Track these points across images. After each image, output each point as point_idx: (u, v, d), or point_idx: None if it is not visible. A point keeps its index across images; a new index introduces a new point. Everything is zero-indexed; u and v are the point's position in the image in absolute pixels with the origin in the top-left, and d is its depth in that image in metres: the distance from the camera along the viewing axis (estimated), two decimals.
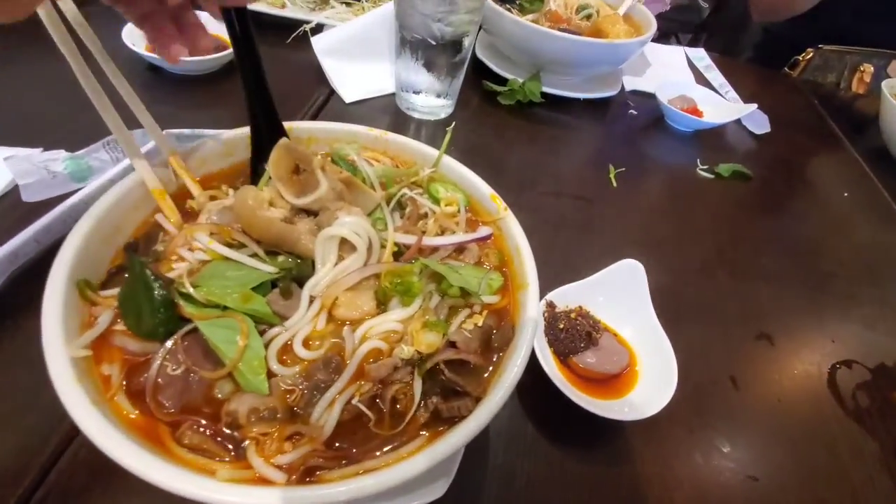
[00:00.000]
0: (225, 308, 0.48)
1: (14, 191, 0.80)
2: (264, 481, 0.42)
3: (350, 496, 0.40)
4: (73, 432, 0.57)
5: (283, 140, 0.57)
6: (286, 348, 0.50)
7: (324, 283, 0.51)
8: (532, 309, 0.55)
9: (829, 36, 1.86)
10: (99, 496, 0.54)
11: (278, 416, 0.45)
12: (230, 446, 0.44)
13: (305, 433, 0.44)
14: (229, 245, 0.52)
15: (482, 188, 0.69)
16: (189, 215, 0.60)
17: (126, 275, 0.50)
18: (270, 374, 0.47)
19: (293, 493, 0.40)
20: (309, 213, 0.57)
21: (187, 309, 0.47)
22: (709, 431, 0.72)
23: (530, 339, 0.52)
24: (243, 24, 0.55)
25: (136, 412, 0.44)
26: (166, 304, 0.46)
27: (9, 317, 0.66)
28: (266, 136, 0.64)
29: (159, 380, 0.45)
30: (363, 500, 0.41)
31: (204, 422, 0.45)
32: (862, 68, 1.90)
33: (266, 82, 0.61)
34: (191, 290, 0.47)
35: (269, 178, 0.58)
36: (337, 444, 0.46)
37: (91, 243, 0.52)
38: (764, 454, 0.72)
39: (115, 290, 0.49)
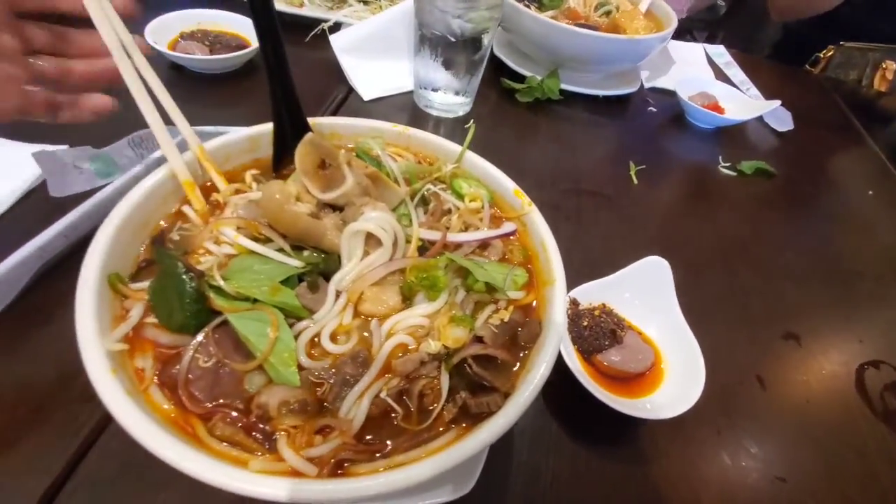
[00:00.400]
0: (255, 301, 0.48)
1: (41, 186, 0.82)
2: (296, 473, 0.42)
3: (380, 490, 0.40)
4: (103, 424, 0.58)
5: (310, 135, 0.57)
6: (314, 342, 0.50)
7: (350, 277, 0.51)
8: (559, 305, 0.55)
9: (849, 33, 1.82)
10: (128, 488, 0.54)
11: (308, 408, 0.45)
12: (261, 438, 0.44)
13: (335, 426, 0.44)
14: (255, 239, 0.52)
15: (506, 183, 0.69)
16: (214, 208, 0.60)
17: (155, 268, 0.51)
18: (300, 368, 0.47)
19: (325, 486, 0.40)
20: (335, 207, 0.57)
21: (217, 301, 0.47)
22: (736, 432, 0.71)
23: (559, 336, 0.52)
24: (268, 14, 0.55)
25: (170, 404, 0.44)
26: (197, 296, 0.46)
27: (38, 311, 0.67)
28: (290, 130, 0.65)
29: (190, 374, 0.45)
30: (392, 494, 0.41)
31: (235, 414, 0.45)
32: (884, 65, 1.87)
33: (290, 75, 0.62)
34: (221, 282, 0.47)
35: (295, 172, 0.58)
36: (367, 438, 0.45)
37: (121, 237, 0.52)
38: (792, 455, 0.71)
39: (145, 284, 0.50)
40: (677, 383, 0.69)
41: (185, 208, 0.58)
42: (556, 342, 0.51)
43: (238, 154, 0.69)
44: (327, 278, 0.52)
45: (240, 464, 0.41)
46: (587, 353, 0.71)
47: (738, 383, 0.77)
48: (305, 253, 0.53)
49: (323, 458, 0.43)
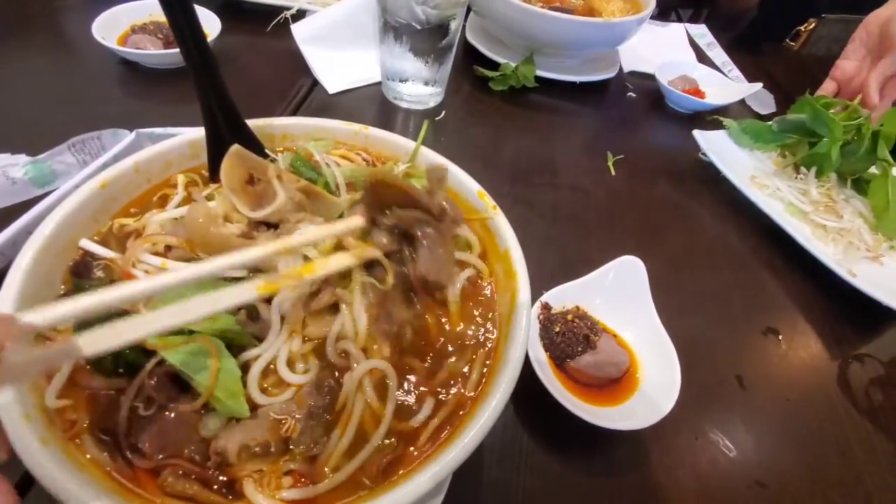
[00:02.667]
0: (191, 333, 0.44)
1: None
2: None
3: None
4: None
5: (235, 147, 0.53)
6: (268, 372, 0.46)
7: (289, 300, 0.47)
8: (523, 317, 0.51)
9: (834, 3, 1.78)
10: None
11: (272, 450, 0.41)
12: (222, 489, 0.40)
13: (305, 475, 0.40)
14: (188, 261, 0.48)
15: (469, 185, 0.65)
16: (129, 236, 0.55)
17: None
18: (255, 406, 0.43)
19: None
20: (269, 225, 0.52)
21: (150, 340, 0.43)
22: (715, 436, 0.69)
23: (521, 350, 0.48)
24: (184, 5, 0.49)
25: (106, 456, 0.40)
26: None
27: None
28: (226, 133, 0.60)
29: (131, 425, 0.41)
30: None
31: (188, 465, 0.41)
32: None
33: (219, 72, 0.56)
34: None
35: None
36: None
37: (41, 267, 0.48)
38: (772, 458, 0.68)
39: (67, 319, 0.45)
40: (653, 388, 0.66)
41: (84, 242, 0.52)
42: (518, 358, 0.47)
43: (180, 161, 0.64)
44: (268, 302, 0.48)
45: None
46: (559, 359, 0.68)
47: (717, 384, 0.75)
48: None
49: (295, 500, 0.40)
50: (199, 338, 0.44)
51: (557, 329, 0.69)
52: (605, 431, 0.60)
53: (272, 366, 0.46)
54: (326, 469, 0.42)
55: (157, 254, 0.51)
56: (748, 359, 0.79)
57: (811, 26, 1.83)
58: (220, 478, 0.41)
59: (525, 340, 0.49)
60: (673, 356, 0.66)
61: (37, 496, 0.52)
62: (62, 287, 0.50)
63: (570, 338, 0.68)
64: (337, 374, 0.47)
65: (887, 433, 0.73)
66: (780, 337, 0.83)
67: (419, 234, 0.48)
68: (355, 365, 0.46)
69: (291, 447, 0.42)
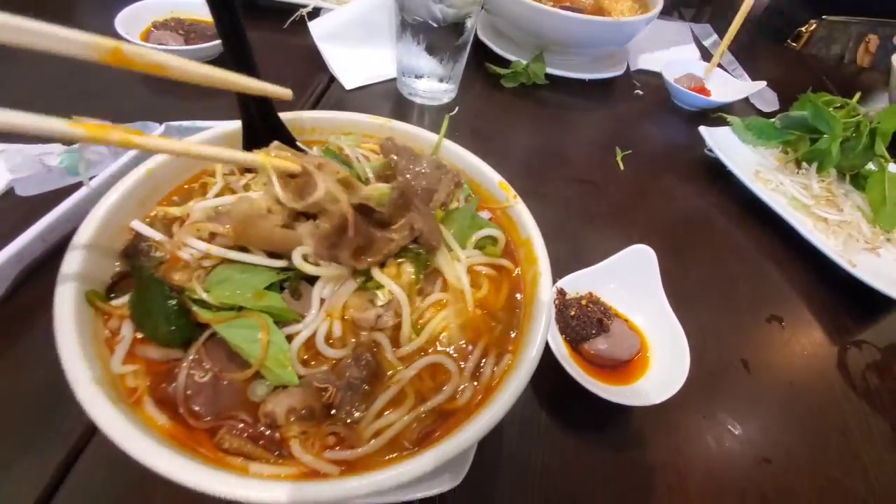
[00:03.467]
0: (240, 309, 0.48)
1: (12, 189, 0.79)
2: (312, 475, 0.42)
3: (391, 483, 0.40)
4: (92, 430, 0.57)
5: (275, 143, 0.56)
6: (310, 346, 0.49)
7: (330, 284, 0.50)
8: (545, 298, 0.54)
9: (834, 5, 1.81)
10: (120, 493, 0.54)
11: (316, 415, 0.45)
12: (270, 446, 0.44)
13: (346, 437, 0.44)
14: (230, 249, 0.52)
15: (490, 175, 0.68)
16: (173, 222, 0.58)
17: (131, 281, 0.50)
18: (298, 376, 0.47)
19: (342, 484, 0.40)
20: (307, 215, 0.56)
21: (203, 315, 0.46)
22: (721, 416, 0.72)
23: (544, 331, 0.52)
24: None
25: (167, 420, 0.44)
26: (180, 312, 0.46)
27: (19, 317, 0.65)
28: (259, 125, 0.63)
29: (188, 390, 0.44)
30: (398, 487, 0.41)
31: (241, 425, 0.44)
32: (867, 39, 1.86)
33: (255, 66, 0.60)
34: (204, 295, 0.46)
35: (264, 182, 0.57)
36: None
37: (96, 248, 0.51)
38: (776, 437, 0.72)
39: (123, 299, 0.49)
40: (663, 369, 0.70)
41: (135, 223, 0.55)
42: (541, 337, 0.51)
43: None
44: (311, 283, 0.52)
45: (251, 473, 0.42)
46: (575, 342, 0.72)
47: (724, 367, 0.79)
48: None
49: (338, 460, 0.43)
50: (248, 313, 0.47)
51: (573, 313, 0.73)
52: (617, 408, 0.64)
53: (313, 340, 0.50)
54: (366, 434, 0.45)
55: (202, 240, 0.55)
56: (753, 345, 0.83)
57: (812, 27, 1.87)
58: (270, 435, 0.44)
59: (548, 323, 0.53)
60: (682, 340, 0.70)
61: (93, 456, 0.56)
62: (116, 264, 0.53)
63: (584, 321, 0.72)
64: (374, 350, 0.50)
65: (883, 414, 0.77)
66: (783, 324, 0.87)
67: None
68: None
69: (333, 413, 0.45)
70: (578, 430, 0.67)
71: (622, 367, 0.72)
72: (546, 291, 0.55)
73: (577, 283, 0.77)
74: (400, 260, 0.53)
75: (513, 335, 0.55)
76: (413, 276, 0.52)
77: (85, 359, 0.43)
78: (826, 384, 0.80)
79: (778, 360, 0.82)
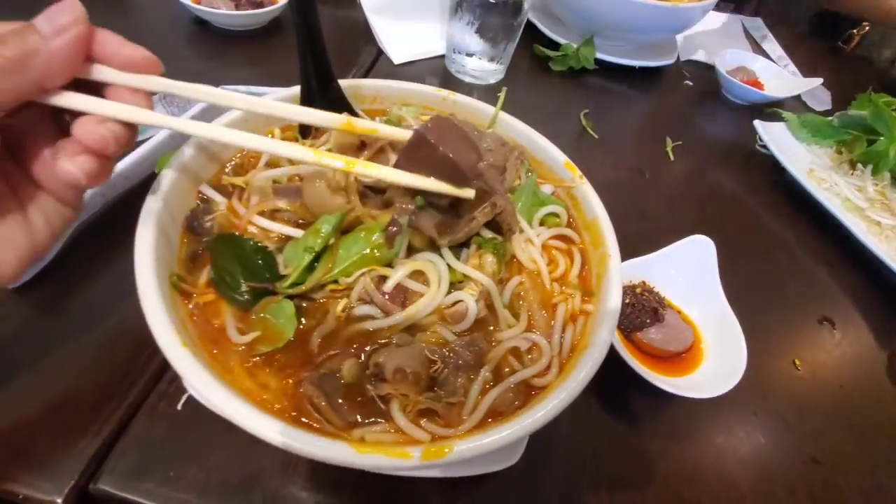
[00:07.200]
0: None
1: None
2: (405, 440, 0.42)
3: (474, 453, 0.40)
4: (150, 386, 0.58)
5: (344, 115, 0.56)
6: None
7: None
8: (615, 287, 0.54)
9: None
10: (178, 449, 0.55)
11: (420, 382, 0.44)
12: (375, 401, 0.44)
13: (443, 415, 0.44)
14: (296, 224, 0.52)
15: (555, 154, 0.67)
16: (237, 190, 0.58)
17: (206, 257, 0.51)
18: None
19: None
20: (375, 190, 0.55)
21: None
22: (771, 413, 0.71)
23: (615, 314, 0.51)
24: None
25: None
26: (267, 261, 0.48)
27: (79, 271, 0.66)
28: (317, 92, 0.63)
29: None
30: (452, 464, 0.41)
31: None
32: None
33: (321, 36, 0.59)
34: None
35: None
36: None
37: (175, 192, 0.52)
38: (825, 438, 0.71)
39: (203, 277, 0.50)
40: (716, 365, 0.69)
41: (204, 187, 0.56)
42: (612, 323, 0.50)
43: (276, 119, 0.66)
44: None
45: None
46: (628, 330, 0.71)
47: (774, 366, 0.77)
48: None
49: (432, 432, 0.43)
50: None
51: (627, 301, 0.71)
52: (668, 398, 0.63)
53: None
54: (463, 416, 0.45)
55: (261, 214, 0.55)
56: (803, 344, 0.81)
57: (864, 30, 1.81)
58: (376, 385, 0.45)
59: (618, 304, 0.52)
60: (740, 336, 0.68)
61: (150, 413, 0.57)
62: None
63: (638, 310, 0.71)
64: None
65: None
66: (835, 326, 0.85)
67: None
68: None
69: (436, 389, 0.45)
70: (628, 418, 0.67)
71: (674, 360, 0.71)
72: (615, 277, 0.54)
73: (631, 271, 0.75)
74: (480, 251, 0.53)
75: (589, 306, 0.55)
76: (495, 266, 0.52)
77: (174, 328, 0.42)
78: (875, 389, 0.79)
79: (828, 361, 0.80)
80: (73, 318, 0.62)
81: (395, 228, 0.48)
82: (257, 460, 0.55)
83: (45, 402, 0.55)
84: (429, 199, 0.50)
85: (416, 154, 0.47)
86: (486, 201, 0.52)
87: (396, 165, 0.48)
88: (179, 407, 0.56)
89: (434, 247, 0.52)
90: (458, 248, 0.53)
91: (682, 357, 0.71)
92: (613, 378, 0.67)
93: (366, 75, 1.10)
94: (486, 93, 1.13)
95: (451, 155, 0.45)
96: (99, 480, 0.52)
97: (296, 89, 0.63)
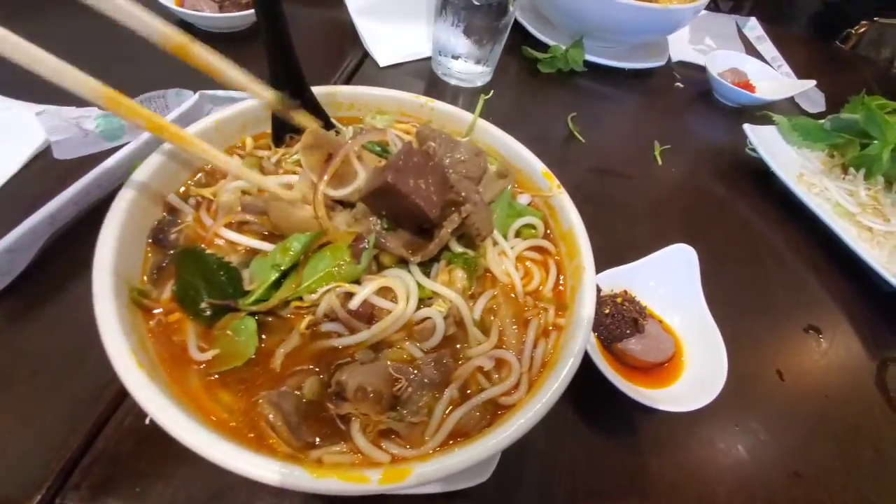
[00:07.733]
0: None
1: (49, 150, 0.78)
2: (363, 463, 0.42)
3: (437, 475, 0.39)
4: (119, 398, 0.57)
5: (314, 127, 0.54)
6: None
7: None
8: (588, 298, 0.53)
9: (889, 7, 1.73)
10: (146, 462, 0.54)
11: (382, 401, 0.44)
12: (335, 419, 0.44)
13: (405, 436, 0.43)
14: (263, 237, 0.51)
15: (533, 163, 0.66)
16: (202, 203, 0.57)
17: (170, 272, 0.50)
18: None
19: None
20: (345, 204, 0.54)
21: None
22: (753, 425, 0.70)
23: (587, 332, 0.50)
24: None
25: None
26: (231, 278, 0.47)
27: (50, 281, 0.65)
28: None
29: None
30: (438, 479, 0.40)
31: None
32: None
33: (290, 41, 0.58)
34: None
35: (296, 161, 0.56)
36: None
37: (137, 207, 0.51)
38: (809, 450, 0.70)
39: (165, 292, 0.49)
40: (697, 375, 0.68)
41: (172, 198, 0.55)
42: (584, 338, 0.49)
43: (255, 123, 0.66)
44: None
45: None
46: (607, 340, 0.70)
47: (758, 376, 0.76)
48: None
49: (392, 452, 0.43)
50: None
51: (607, 311, 0.70)
52: (648, 411, 0.62)
53: None
54: (426, 436, 0.44)
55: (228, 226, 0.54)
56: (789, 353, 0.80)
57: (862, 29, 1.79)
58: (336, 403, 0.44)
59: (591, 318, 0.51)
60: (720, 347, 0.67)
61: (118, 425, 0.55)
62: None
63: (618, 320, 0.70)
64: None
65: None
66: (821, 335, 0.84)
67: None
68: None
69: (398, 408, 0.44)
70: (606, 431, 0.66)
71: (654, 370, 0.69)
72: (589, 289, 0.53)
73: (613, 280, 0.74)
74: (450, 266, 0.52)
75: (562, 321, 0.54)
76: (466, 282, 0.51)
77: (129, 347, 0.42)
78: (862, 399, 0.78)
79: (814, 371, 0.79)
80: (44, 329, 0.62)
81: (362, 245, 0.47)
82: (224, 476, 0.53)
83: (14, 414, 0.54)
84: (397, 223, 0.49)
85: (385, 198, 0.46)
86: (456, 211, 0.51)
87: (363, 201, 0.48)
88: (147, 422, 0.55)
89: (405, 263, 0.51)
90: (428, 264, 0.52)
91: (663, 367, 0.70)
92: (592, 390, 0.66)
93: (349, 79, 1.08)
94: (473, 95, 1.12)
95: (420, 203, 0.45)
96: (66, 496, 0.51)
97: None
